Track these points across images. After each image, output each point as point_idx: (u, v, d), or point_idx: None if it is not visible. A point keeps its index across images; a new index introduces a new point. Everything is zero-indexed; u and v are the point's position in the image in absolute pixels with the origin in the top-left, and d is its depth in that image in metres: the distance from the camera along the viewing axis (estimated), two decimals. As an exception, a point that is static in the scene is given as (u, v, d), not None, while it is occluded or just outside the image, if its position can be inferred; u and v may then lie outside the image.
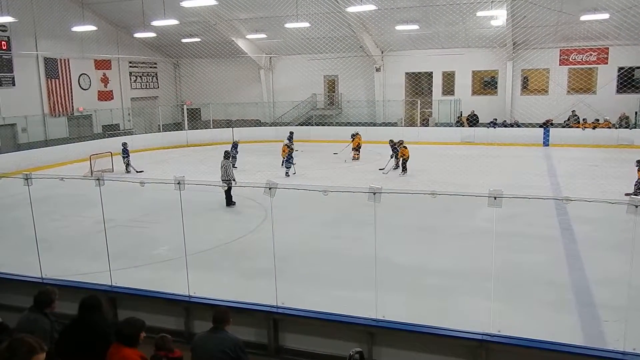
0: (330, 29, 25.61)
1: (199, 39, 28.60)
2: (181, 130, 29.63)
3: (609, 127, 25.12)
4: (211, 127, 30.17)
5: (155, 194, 12.19)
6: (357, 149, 22.80)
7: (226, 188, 13.86)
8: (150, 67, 33.13)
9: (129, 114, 30.77)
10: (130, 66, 31.39)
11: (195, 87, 32.73)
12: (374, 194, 5.89)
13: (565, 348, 5.42)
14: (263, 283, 6.71)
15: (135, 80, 32.01)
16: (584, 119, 26.09)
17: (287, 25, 24.92)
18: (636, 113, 25.92)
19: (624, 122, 25.35)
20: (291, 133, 24.38)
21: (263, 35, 28.55)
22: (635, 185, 14.93)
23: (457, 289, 8.71)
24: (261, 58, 31.70)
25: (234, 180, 14.72)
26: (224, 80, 31.50)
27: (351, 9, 22.84)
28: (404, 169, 19.12)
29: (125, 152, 21.12)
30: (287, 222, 12.15)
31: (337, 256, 10.43)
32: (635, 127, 25.21)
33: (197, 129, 29.87)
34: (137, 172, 20.47)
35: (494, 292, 8.26)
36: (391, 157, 19.83)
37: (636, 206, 4.77)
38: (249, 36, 29.14)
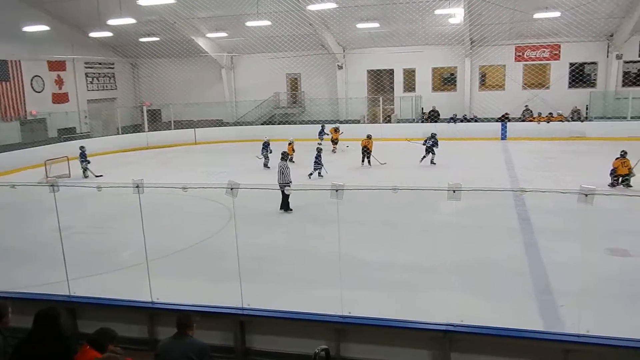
0: (292, 27, 25.60)
1: (158, 38, 28.14)
2: (141, 132, 29.07)
3: (562, 121, 25.98)
4: (172, 128, 29.70)
5: (116, 198, 11.96)
6: (335, 142, 23.59)
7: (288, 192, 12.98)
8: (108, 68, 32.35)
9: (85, 117, 29.89)
10: (86, 67, 30.53)
11: (155, 87, 32.16)
12: (336, 190, 5.93)
13: (525, 334, 5.60)
14: (230, 285, 6.67)
15: (92, 81, 31.15)
16: (539, 113, 26.90)
17: (248, 24, 24.79)
18: (587, 107, 26.90)
19: (576, 116, 26.29)
20: (323, 126, 25.14)
21: (224, 34, 28.30)
22: (610, 174, 15.48)
23: (422, 282, 8.88)
24: (222, 57, 31.39)
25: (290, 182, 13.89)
26: (185, 80, 31.09)
27: (312, 7, 22.92)
28: (369, 161, 19.99)
29: (83, 156, 20.56)
30: (252, 223, 12.16)
31: (304, 255, 10.48)
32: (586, 120, 26.15)
33: (157, 130, 29.33)
34: (95, 176, 19.98)
35: (458, 284, 8.49)
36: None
37: (586, 195, 4.97)
38: (209, 35, 28.84)
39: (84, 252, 10.44)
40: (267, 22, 24.23)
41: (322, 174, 17.94)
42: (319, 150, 18.05)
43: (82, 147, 20.85)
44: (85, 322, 6.66)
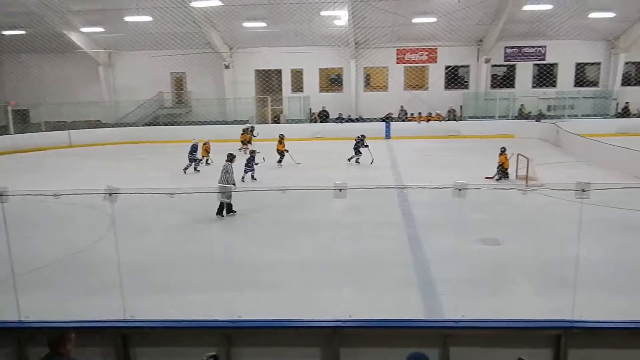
0: (176, 24, 24.78)
1: (24, 32, 25.85)
2: (6, 134, 26.53)
3: (440, 120, 27.74)
4: (43, 129, 27.43)
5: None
6: (245, 142, 23.27)
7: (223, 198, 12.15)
8: (-34, 63, 29.23)
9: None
10: (-59, 62, 27.40)
11: (22, 85, 29.40)
12: (223, 192, 5.81)
13: (408, 323, 5.85)
14: (110, 297, 6.27)
15: (-52, 78, 27.99)
16: (419, 113, 28.46)
17: (127, 19, 23.62)
18: (461, 107, 28.94)
19: (452, 115, 28.20)
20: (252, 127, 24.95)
21: (100, 29, 26.71)
22: (497, 169, 16.61)
23: (311, 280, 8.96)
24: (99, 54, 29.57)
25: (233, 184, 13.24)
26: (57, 78, 28.88)
27: (196, 4, 22.38)
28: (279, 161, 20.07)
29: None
30: (133, 230, 11.57)
31: (190, 260, 10.12)
32: (461, 119, 28.12)
33: (26, 132, 26.93)
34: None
35: (346, 280, 8.69)
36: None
37: (459, 190, 5.31)
38: (84, 29, 27.04)
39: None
40: (148, 18, 23.26)
41: (255, 177, 17.29)
42: (252, 153, 17.49)
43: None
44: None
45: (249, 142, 23.94)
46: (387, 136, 27.12)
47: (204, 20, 25.70)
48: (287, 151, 19.87)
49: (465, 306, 5.84)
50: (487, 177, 16.53)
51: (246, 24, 25.87)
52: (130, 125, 28.88)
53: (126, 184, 6.16)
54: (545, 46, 28.60)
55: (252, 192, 12.74)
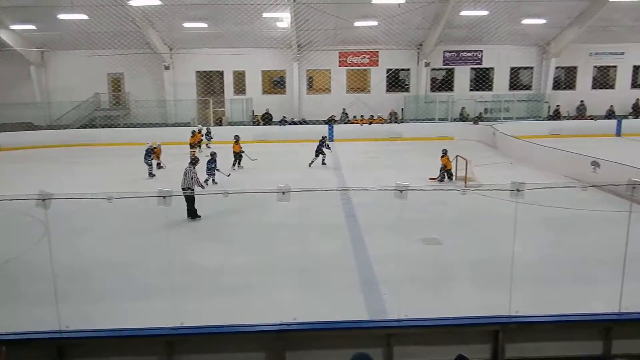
0: (113, 23, 23.98)
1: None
2: None
3: (382, 123, 28.20)
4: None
5: None
6: (194, 145, 22.70)
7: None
8: None
9: None
10: None
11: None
12: (164, 197, 5.67)
13: (353, 324, 5.90)
14: (44, 307, 5.97)
15: None
16: (361, 116, 28.84)
17: (61, 17, 22.66)
18: (402, 109, 29.54)
19: (393, 118, 28.73)
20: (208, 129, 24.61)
21: (32, 27, 25.48)
22: (440, 170, 16.95)
23: (256, 284, 8.89)
24: (31, 53, 28.20)
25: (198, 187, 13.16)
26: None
27: (134, 3, 21.78)
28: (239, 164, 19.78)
29: None
30: (69, 237, 11.13)
31: (129, 267, 9.82)
32: (402, 122, 28.70)
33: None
34: None
35: (291, 282, 8.67)
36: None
37: (401, 191, 5.41)
38: (13, 27, 25.72)
39: None
40: (83, 16, 22.43)
41: (216, 180, 16.75)
42: (213, 155, 16.83)
43: None
44: None
45: (199, 145, 23.52)
46: (330, 139, 27.28)
47: (143, 19, 25.04)
48: (243, 152, 19.65)
49: (408, 305, 5.95)
50: (431, 178, 16.95)
51: (187, 24, 25.40)
52: (65, 128, 27.70)
53: (60, 189, 5.91)
54: (482, 51, 29.66)
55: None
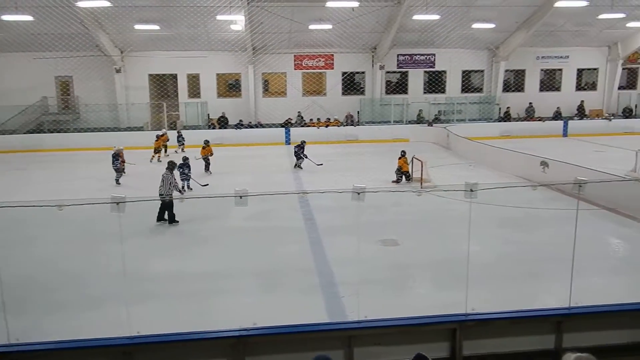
0: (60, 24, 23.22)
1: None
2: None
3: (338, 125, 28.38)
4: None
5: None
6: (158, 150, 22.21)
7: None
8: None
9: None
10: None
11: None
12: (118, 204, 5.52)
13: (313, 327, 5.91)
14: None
15: None
16: (317, 119, 28.92)
17: (5, 18, 21.78)
18: (358, 112, 29.82)
19: (350, 121, 28.95)
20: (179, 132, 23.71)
21: (-28, 28, 24.40)
22: (395, 172, 17.13)
23: (215, 289, 8.78)
24: (-28, 55, 27.01)
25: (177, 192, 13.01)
26: None
27: (82, 4, 21.18)
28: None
29: None
30: (15, 246, 10.71)
31: (82, 276, 9.52)
32: (358, 124, 28.95)
33: None
34: None
35: (251, 287, 8.60)
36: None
37: (358, 193, 5.45)
38: (-48, 28, 24.57)
39: None
40: (28, 17, 21.62)
41: (191, 186, 16.09)
42: (186, 161, 16.13)
43: None
44: None
45: (166, 149, 23.05)
46: (287, 142, 27.27)
47: (92, 21, 24.31)
48: (211, 155, 19.49)
49: (368, 306, 5.99)
50: (393, 182, 17.18)
51: (138, 27, 24.84)
52: (10, 133, 26.57)
53: (5, 197, 5.66)
54: (434, 54, 30.27)
55: (146, 202, 12.23)
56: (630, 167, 16.90)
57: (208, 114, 29.00)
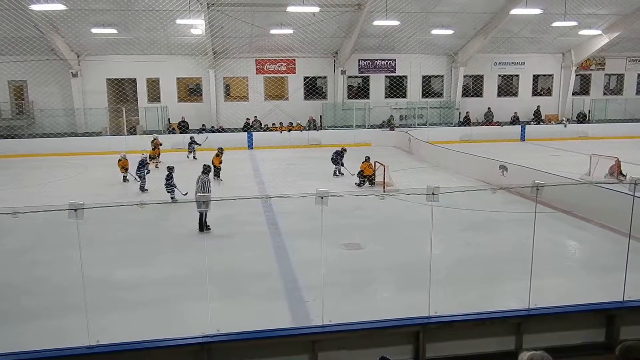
0: (13, 28, 22.49)
1: None
2: None
3: (301, 130, 28.39)
4: None
5: None
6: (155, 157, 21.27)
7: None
8: None
9: None
10: None
11: None
12: (75, 210, 5.36)
13: (277, 333, 5.87)
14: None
15: None
16: (280, 123, 28.86)
17: (-47, 21, 20.97)
18: (321, 117, 29.90)
19: (312, 125, 29.01)
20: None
21: None
22: (357, 175, 17.30)
23: (177, 296, 8.62)
24: None
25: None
26: None
27: (36, 7, 20.50)
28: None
29: None
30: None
31: (40, 284, 9.22)
32: (321, 129, 29.04)
33: None
34: None
35: (214, 293, 8.48)
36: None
37: (322, 197, 5.45)
38: None
39: None
40: (-21, 20, 20.84)
41: (175, 197, 14.93)
42: (170, 171, 15.22)
43: None
44: None
45: (158, 155, 21.88)
46: (250, 146, 27.12)
47: (47, 25, 23.60)
48: (221, 164, 18.68)
49: (332, 311, 5.99)
50: (357, 184, 17.27)
51: (95, 30, 24.24)
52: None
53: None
54: (395, 59, 30.65)
55: (108, 208, 11.89)
56: (585, 170, 17.48)
57: (169, 119, 28.55)
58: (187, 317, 7.62)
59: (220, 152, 18.81)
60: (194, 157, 22.75)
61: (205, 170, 12.81)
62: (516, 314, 6.28)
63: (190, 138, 24.02)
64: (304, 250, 10.54)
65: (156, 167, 20.42)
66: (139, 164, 16.82)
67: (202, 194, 11.33)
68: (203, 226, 11.89)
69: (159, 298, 8.62)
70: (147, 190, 16.31)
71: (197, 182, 12.43)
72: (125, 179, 18.18)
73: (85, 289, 5.66)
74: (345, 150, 19.50)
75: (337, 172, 19.32)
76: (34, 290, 8.95)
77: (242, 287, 9.03)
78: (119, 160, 18.48)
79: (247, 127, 27.98)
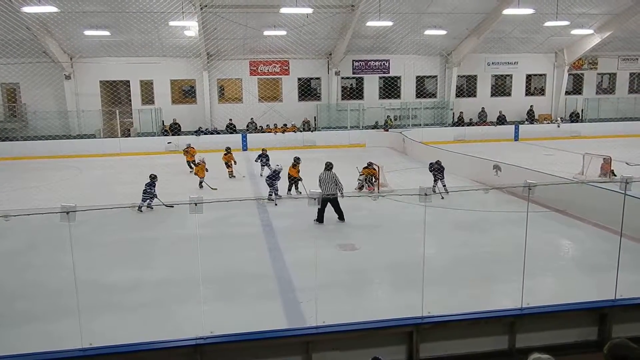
0: (5, 30, 22.37)
1: None
2: None
3: (295, 131, 28.40)
4: None
5: None
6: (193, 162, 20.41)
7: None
8: None
9: None
10: None
11: None
12: (67, 213, 5.35)
13: (271, 334, 5.88)
14: None
15: None
16: (274, 124, 28.85)
17: (-55, 24, 20.87)
18: (315, 118, 29.91)
19: (307, 126, 29.01)
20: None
21: None
22: (358, 180, 17.03)
23: (171, 298, 8.60)
24: None
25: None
26: None
27: (27, 9, 20.42)
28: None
29: None
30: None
31: (32, 287, 9.17)
32: (315, 130, 29.04)
33: None
34: None
35: (208, 295, 8.47)
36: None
37: (314, 199, 5.46)
38: None
39: None
40: (-29, 23, 20.74)
41: (152, 206, 14.33)
42: (153, 179, 14.65)
43: None
44: None
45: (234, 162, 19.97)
46: (244, 148, 27.10)
47: (39, 27, 23.52)
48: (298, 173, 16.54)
49: (326, 312, 6.00)
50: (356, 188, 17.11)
51: (88, 32, 24.16)
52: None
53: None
54: (388, 60, 30.70)
55: (103, 210, 11.90)
56: (578, 169, 17.56)
57: (162, 121, 28.49)
58: (181, 319, 7.61)
59: (296, 162, 16.14)
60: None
61: (329, 167, 13.35)
62: (509, 313, 6.31)
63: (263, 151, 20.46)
64: (298, 251, 10.54)
65: (230, 176, 19.54)
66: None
67: (329, 192, 12.38)
68: (321, 218, 12.30)
69: (153, 300, 8.60)
70: (152, 208, 14.55)
71: (320, 180, 12.99)
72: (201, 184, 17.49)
73: (78, 292, 5.65)
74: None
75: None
76: (27, 293, 8.91)
77: (236, 288, 9.02)
78: (198, 164, 18.21)
79: (231, 129, 28.00)
